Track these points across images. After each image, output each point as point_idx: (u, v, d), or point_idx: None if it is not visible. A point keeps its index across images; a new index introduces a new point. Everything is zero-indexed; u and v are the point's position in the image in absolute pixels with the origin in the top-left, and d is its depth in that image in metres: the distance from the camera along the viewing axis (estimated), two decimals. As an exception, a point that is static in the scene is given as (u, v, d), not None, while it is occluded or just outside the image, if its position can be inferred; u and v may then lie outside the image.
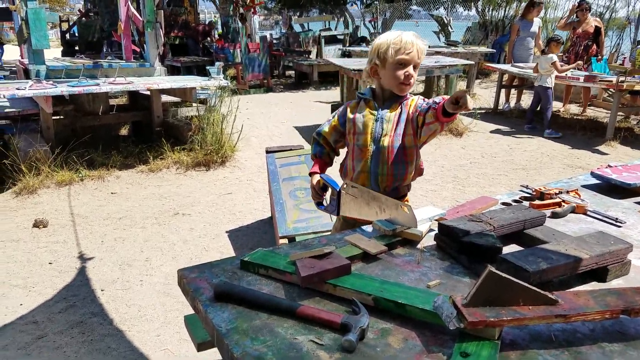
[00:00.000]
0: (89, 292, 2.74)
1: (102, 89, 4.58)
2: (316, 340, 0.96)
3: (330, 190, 1.67)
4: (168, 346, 2.30)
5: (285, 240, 2.94)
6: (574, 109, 7.82)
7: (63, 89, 4.35)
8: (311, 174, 1.81)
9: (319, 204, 1.78)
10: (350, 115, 1.77)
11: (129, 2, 5.63)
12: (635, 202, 1.68)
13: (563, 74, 6.25)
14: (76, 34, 12.43)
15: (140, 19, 5.50)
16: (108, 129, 5.66)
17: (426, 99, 1.72)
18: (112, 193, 4.23)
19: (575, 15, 7.09)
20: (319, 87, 10.24)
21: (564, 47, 7.34)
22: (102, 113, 5.24)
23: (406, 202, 1.70)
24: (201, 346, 1.40)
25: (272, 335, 0.97)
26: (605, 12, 10.44)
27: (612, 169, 1.85)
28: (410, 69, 1.64)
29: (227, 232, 3.54)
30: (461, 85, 8.83)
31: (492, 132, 6.45)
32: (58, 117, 5.09)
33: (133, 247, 3.28)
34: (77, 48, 11.80)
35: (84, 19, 12.31)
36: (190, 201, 4.08)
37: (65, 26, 13.26)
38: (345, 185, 1.55)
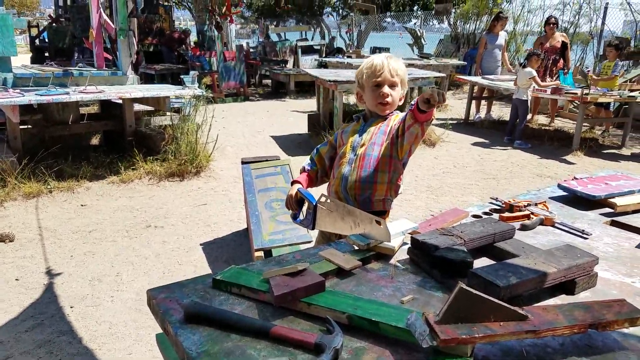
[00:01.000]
0: (57, 309, 2.64)
1: (72, 98, 4.46)
2: (290, 361, 0.95)
3: (306, 204, 1.67)
4: (139, 365, 2.24)
5: (261, 253, 2.92)
6: (542, 119, 8.07)
7: (31, 97, 4.21)
8: (293, 183, 1.85)
9: (295, 217, 1.78)
10: (340, 131, 1.91)
11: (101, 9, 5.52)
12: (600, 214, 1.73)
13: (542, 88, 6.48)
14: (46, 40, 12.11)
15: (113, 26, 5.39)
16: (78, 138, 5.51)
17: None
18: (81, 205, 4.11)
19: (543, 30, 7.36)
20: (296, 96, 10.27)
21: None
22: (72, 122, 5.10)
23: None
24: (173, 366, 1.36)
25: (244, 358, 0.96)
26: (570, 27, 10.86)
27: (578, 181, 1.91)
28: (385, 88, 1.74)
29: (201, 244, 3.48)
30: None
31: (463, 142, 6.59)
32: (26, 127, 4.93)
33: (103, 261, 3.18)
34: (47, 54, 11.49)
35: (54, 24, 12.01)
36: (163, 213, 4.00)
37: (34, 32, 12.91)
38: (322, 199, 1.56)
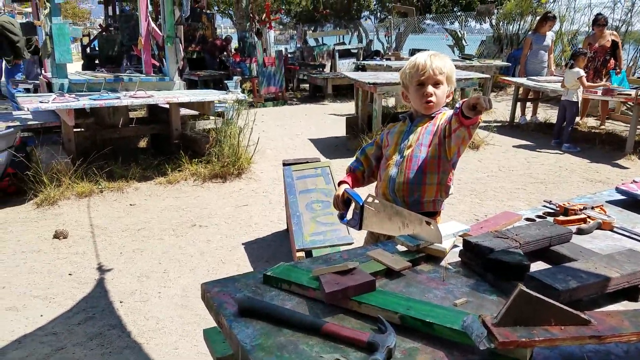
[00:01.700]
0: (107, 303, 2.76)
1: (123, 102, 4.68)
2: (342, 358, 0.95)
3: (353, 204, 1.67)
4: None
5: (302, 253, 2.94)
6: (591, 122, 7.72)
7: (85, 102, 4.45)
8: (340, 183, 1.85)
9: (342, 217, 1.78)
10: (387, 132, 1.89)
11: (149, 18, 5.76)
12: (663, 219, 1.64)
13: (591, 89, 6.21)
14: (96, 48, 12.73)
15: (160, 34, 5.61)
16: (127, 141, 5.76)
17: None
18: (130, 205, 4.28)
19: (591, 29, 7.02)
20: (334, 100, 10.30)
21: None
22: (121, 126, 5.33)
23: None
24: (220, 361, 1.40)
25: (297, 353, 0.97)
26: (621, 25, 10.34)
27: (638, 185, 1.82)
28: (429, 88, 1.72)
29: (243, 244, 3.55)
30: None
31: (508, 145, 6.40)
32: (79, 130, 5.20)
33: (151, 258, 3.30)
34: (97, 62, 12.07)
35: (104, 33, 12.61)
36: (207, 213, 4.11)
37: (86, 40, 13.60)
38: (369, 199, 1.55)
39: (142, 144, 6.14)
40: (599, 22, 6.96)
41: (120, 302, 2.78)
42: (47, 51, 4.95)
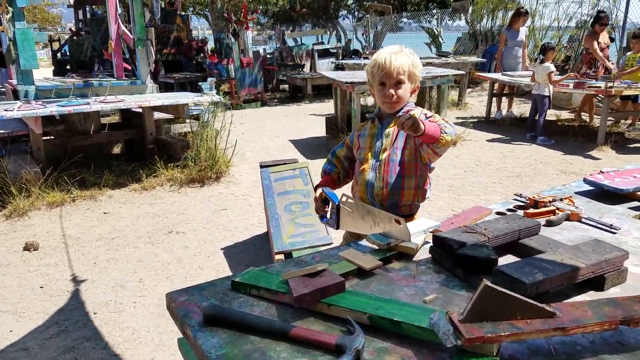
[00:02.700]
0: (81, 315, 2.68)
1: (93, 108, 4.56)
2: (310, 362, 0.93)
3: (331, 203, 1.67)
4: (163, 369, 2.25)
5: (282, 256, 2.91)
6: (564, 115, 7.89)
7: (52, 109, 4.33)
8: (316, 188, 1.83)
9: (322, 217, 1.78)
10: (357, 133, 1.86)
11: (119, 21, 5.65)
12: (629, 208, 1.67)
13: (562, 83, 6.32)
14: (67, 53, 12.45)
15: (131, 37, 5.51)
16: (100, 148, 5.64)
17: (427, 113, 1.72)
18: (104, 213, 4.18)
19: (593, 29, 7.03)
20: (313, 100, 10.28)
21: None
22: (93, 132, 5.21)
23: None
24: (194, 370, 1.36)
25: (264, 360, 0.94)
26: (589, 20, 10.57)
27: (605, 175, 1.85)
28: (389, 88, 1.68)
29: (222, 249, 3.50)
30: (453, 95, 8.91)
31: (484, 140, 6.48)
32: (48, 138, 5.06)
33: (126, 267, 3.23)
34: (68, 67, 11.81)
35: (75, 38, 12.34)
36: (185, 218, 4.04)
37: (56, 45, 13.28)
38: (343, 199, 1.54)
39: (116, 150, 6.01)
40: (603, 20, 6.91)
41: (95, 313, 2.71)
42: (11, 57, 4.80)
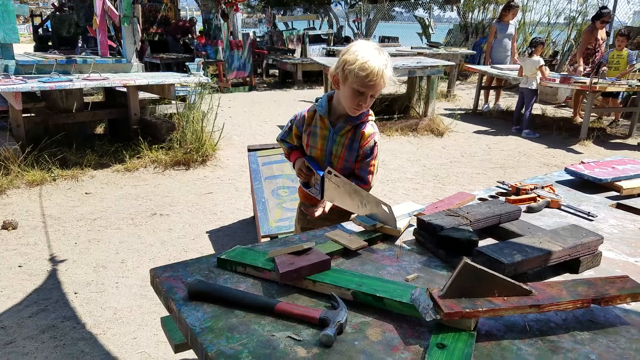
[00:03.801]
0: (61, 295, 2.66)
1: (76, 85, 4.46)
2: (294, 336, 0.95)
3: (315, 174, 1.67)
4: (145, 349, 2.26)
5: (268, 240, 2.92)
6: (549, 109, 8.00)
7: (33, 84, 4.22)
8: (294, 162, 1.80)
9: (306, 185, 1.78)
10: (305, 128, 1.79)
11: (106, -3, 5.51)
12: (607, 197, 1.72)
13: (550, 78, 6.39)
14: (49, 29, 12.11)
15: (117, 13, 5.38)
16: (83, 127, 5.53)
17: (373, 147, 1.71)
18: (86, 193, 4.13)
19: (593, 24, 7.05)
20: (303, 86, 10.22)
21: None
22: (76, 110, 5.11)
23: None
24: (178, 348, 1.38)
25: (248, 333, 0.96)
26: (578, 16, 10.69)
27: (585, 165, 1.89)
28: (366, 98, 1.61)
29: (207, 232, 3.49)
30: (442, 86, 8.94)
31: (471, 132, 6.55)
32: (29, 115, 4.95)
33: (108, 248, 3.20)
34: (50, 44, 11.50)
35: (58, 13, 12.00)
36: (169, 201, 4.01)
37: (38, 21, 12.91)
38: (329, 173, 1.53)
39: (99, 129, 5.91)
40: (604, 18, 6.90)
41: (75, 293, 2.69)
42: (-8, 31, 4.65)
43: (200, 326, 0.99)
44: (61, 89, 4.65)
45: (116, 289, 2.73)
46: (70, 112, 5.03)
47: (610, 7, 10.08)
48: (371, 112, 1.74)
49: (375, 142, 1.72)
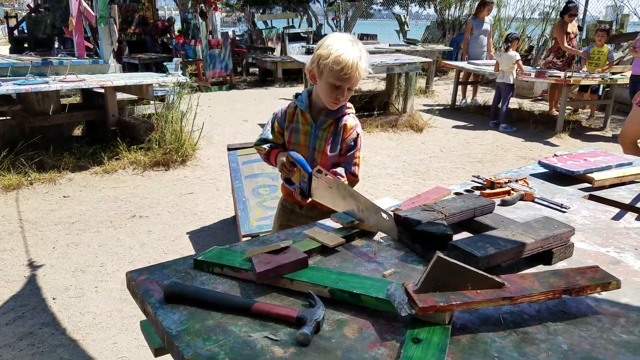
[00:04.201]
0: (39, 301, 2.61)
1: (52, 87, 4.37)
2: (271, 336, 0.95)
3: (302, 171, 1.57)
4: (125, 354, 2.23)
5: (249, 239, 2.91)
6: (526, 103, 8.14)
7: (8, 87, 4.12)
8: (276, 157, 1.72)
9: (290, 182, 1.71)
10: (287, 124, 1.77)
11: (80, -3, 5.40)
12: (579, 189, 1.76)
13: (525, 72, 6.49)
14: (25, 31, 11.83)
15: (93, 14, 5.28)
16: (60, 129, 5.42)
17: (356, 138, 1.72)
18: (64, 197, 4.05)
19: (562, 19, 7.16)
20: (284, 84, 10.18)
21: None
22: (52, 113, 5.00)
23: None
24: (158, 351, 1.36)
25: (225, 335, 0.95)
26: (551, 12, 10.88)
27: (558, 158, 1.93)
28: (343, 91, 1.61)
29: (188, 233, 3.46)
30: (420, 82, 9.02)
31: (450, 127, 6.63)
32: (4, 118, 4.82)
33: (87, 252, 3.15)
34: (26, 45, 11.23)
35: (33, 14, 11.72)
36: (148, 203, 3.96)
37: (13, 22, 12.59)
38: (318, 171, 1.47)
39: (77, 131, 5.80)
40: (572, 11, 7.03)
41: (54, 299, 2.64)
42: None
43: (177, 329, 0.98)
44: (37, 91, 4.55)
45: (95, 293, 2.69)
46: (46, 115, 4.93)
47: (582, 2, 10.30)
48: (350, 104, 1.74)
49: (358, 134, 1.73)
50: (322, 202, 1.54)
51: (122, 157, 4.68)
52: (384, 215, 1.30)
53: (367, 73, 1.60)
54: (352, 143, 1.72)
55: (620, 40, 8.40)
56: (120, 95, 5.48)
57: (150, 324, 1.32)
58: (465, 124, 6.81)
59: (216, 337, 0.95)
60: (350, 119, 1.72)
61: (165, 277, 1.18)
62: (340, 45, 1.55)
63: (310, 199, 1.58)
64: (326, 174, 1.46)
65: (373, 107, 6.85)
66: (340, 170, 1.70)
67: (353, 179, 1.73)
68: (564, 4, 7.31)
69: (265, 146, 1.78)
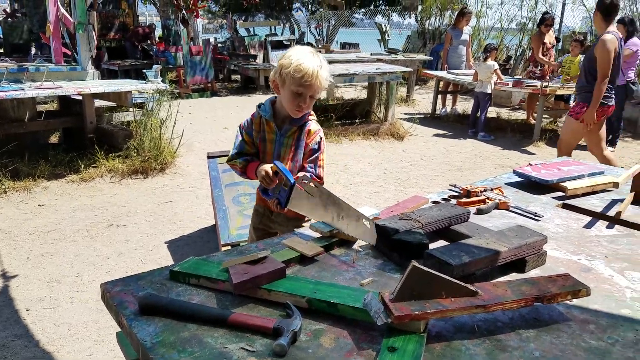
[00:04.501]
0: (12, 312, 2.53)
1: (27, 94, 4.29)
2: (247, 347, 0.94)
3: (283, 180, 1.55)
4: (101, 365, 2.18)
5: (228, 248, 2.89)
6: (503, 112, 8.31)
7: (-18, 94, 4.02)
8: (257, 169, 1.71)
9: (267, 192, 1.70)
10: (255, 134, 1.81)
11: (59, 3, 5.32)
12: (553, 197, 1.80)
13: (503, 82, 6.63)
14: (1, 36, 11.58)
15: (71, 20, 5.21)
16: (35, 136, 5.31)
17: (319, 142, 1.76)
18: (39, 205, 3.96)
19: (539, 29, 7.31)
20: (266, 91, 10.17)
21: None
22: (28, 120, 4.90)
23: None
24: (134, 363, 1.34)
25: (200, 346, 0.95)
26: (528, 22, 11.14)
27: (532, 167, 1.98)
28: (305, 99, 1.67)
29: (166, 242, 3.41)
30: (401, 91, 9.13)
31: (430, 135, 6.72)
32: (-23, 125, 4.70)
33: (62, 262, 3.08)
34: (1, 51, 10.99)
35: (9, 19, 11.49)
36: (126, 211, 3.90)
37: (-12, 28, 12.30)
38: (304, 181, 1.46)
39: (54, 139, 5.68)
40: (548, 21, 7.15)
41: (27, 310, 2.57)
42: None
43: (152, 341, 0.96)
44: (12, 98, 4.45)
45: (71, 304, 2.63)
46: (22, 122, 4.82)
47: (558, 13, 10.61)
48: (312, 112, 1.80)
49: (321, 137, 1.80)
50: (299, 212, 1.54)
51: (100, 165, 4.60)
52: (366, 223, 1.31)
53: (327, 82, 1.69)
54: (316, 146, 1.78)
55: (594, 51, 8.65)
56: (99, 102, 5.40)
57: (125, 336, 1.30)
58: (445, 132, 6.92)
59: (192, 349, 0.94)
60: (313, 124, 1.79)
61: (140, 288, 1.16)
62: (301, 56, 1.64)
63: (286, 210, 1.57)
64: (314, 184, 1.45)
65: (355, 115, 6.90)
66: (307, 174, 1.71)
67: (319, 181, 1.75)
68: (541, 15, 7.51)
69: (239, 160, 1.79)
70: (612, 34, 3.89)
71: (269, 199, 1.70)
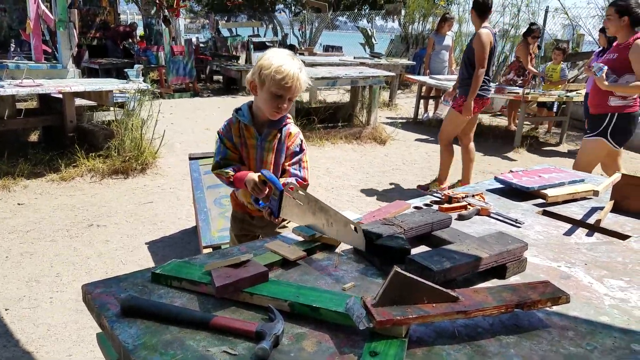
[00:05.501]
0: (-12, 313, 2.47)
1: (7, 92, 4.20)
2: (229, 350, 0.94)
3: (273, 189, 1.55)
4: (79, 367, 2.14)
5: (210, 250, 2.87)
6: (485, 118, 8.44)
7: (-42, 90, 3.92)
8: (245, 180, 1.68)
9: (258, 201, 1.69)
10: (236, 140, 1.79)
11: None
12: (534, 204, 1.84)
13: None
14: (-22, 32, 11.27)
15: (52, 17, 5.11)
16: (15, 135, 5.19)
17: (301, 144, 1.78)
18: (18, 204, 3.87)
19: (525, 40, 7.43)
20: (249, 92, 10.12)
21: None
22: (7, 118, 4.79)
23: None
24: (114, 365, 1.32)
25: (182, 349, 0.94)
26: (510, 29, 11.31)
27: (514, 174, 2.02)
28: (285, 101, 1.66)
29: (147, 243, 3.37)
30: (384, 95, 9.20)
31: (412, 140, 6.78)
32: (-46, 122, 4.58)
33: (42, 262, 3.02)
34: (-21, 48, 10.70)
35: (-13, 15, 11.19)
36: (106, 211, 3.84)
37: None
38: (291, 188, 1.46)
39: (33, 137, 5.56)
40: (535, 33, 7.26)
41: (6, 309, 2.51)
42: None
43: (133, 343, 0.96)
44: (-12, 95, 4.34)
45: (50, 304, 2.58)
46: (1, 119, 4.71)
47: (540, 21, 10.82)
48: (289, 115, 1.80)
49: (301, 140, 1.80)
50: (291, 220, 1.54)
51: (80, 165, 4.52)
52: (352, 227, 1.31)
53: (306, 85, 1.69)
54: (298, 149, 1.78)
55: (576, 59, 8.82)
56: (79, 101, 5.31)
57: (106, 338, 1.29)
58: (427, 137, 6.99)
59: (174, 352, 0.93)
60: (293, 127, 1.80)
61: (122, 290, 1.15)
62: (281, 58, 1.64)
63: (279, 219, 1.58)
64: (300, 191, 1.44)
65: (337, 118, 6.93)
66: (291, 180, 1.71)
67: (305, 184, 1.76)
68: (528, 26, 7.63)
69: (228, 170, 1.74)
70: (487, 29, 4.09)
71: (261, 208, 1.68)
